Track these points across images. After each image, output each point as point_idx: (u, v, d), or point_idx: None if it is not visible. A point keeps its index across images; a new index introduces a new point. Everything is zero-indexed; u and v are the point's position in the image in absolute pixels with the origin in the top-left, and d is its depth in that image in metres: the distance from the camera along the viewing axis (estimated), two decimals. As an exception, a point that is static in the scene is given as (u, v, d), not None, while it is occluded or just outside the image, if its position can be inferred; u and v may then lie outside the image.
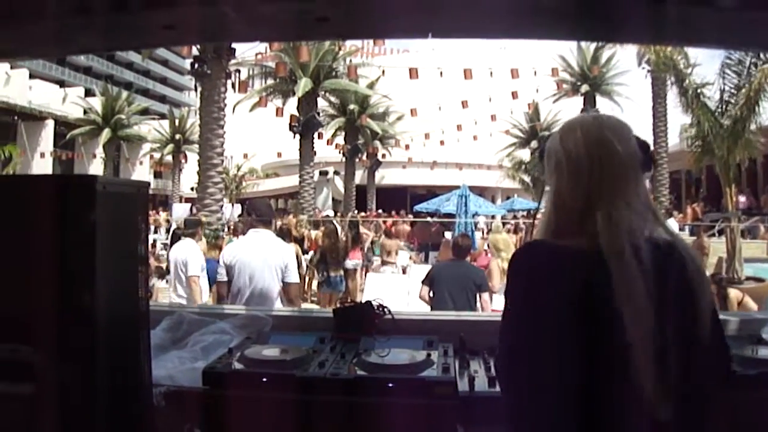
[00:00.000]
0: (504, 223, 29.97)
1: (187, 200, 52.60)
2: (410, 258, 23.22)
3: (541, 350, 2.25)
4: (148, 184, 3.50)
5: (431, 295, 10.71)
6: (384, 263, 21.26)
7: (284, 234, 17.73)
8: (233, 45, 30.16)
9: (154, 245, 23.99)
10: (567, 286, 2.25)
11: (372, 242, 25.04)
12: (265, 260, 8.59)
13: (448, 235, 24.15)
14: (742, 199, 33.92)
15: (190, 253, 11.59)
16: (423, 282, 11.06)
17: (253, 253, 8.59)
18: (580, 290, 2.21)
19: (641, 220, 2.31)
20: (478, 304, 10.52)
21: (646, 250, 2.21)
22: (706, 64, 20.42)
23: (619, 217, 2.26)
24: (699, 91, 18.30)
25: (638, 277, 2.15)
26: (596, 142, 2.40)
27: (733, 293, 12.78)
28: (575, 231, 2.36)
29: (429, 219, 32.11)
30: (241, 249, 8.74)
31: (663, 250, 2.29)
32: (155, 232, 36.31)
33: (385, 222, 31.02)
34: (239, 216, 9.99)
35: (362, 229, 24.06)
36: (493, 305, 10.68)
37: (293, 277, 8.75)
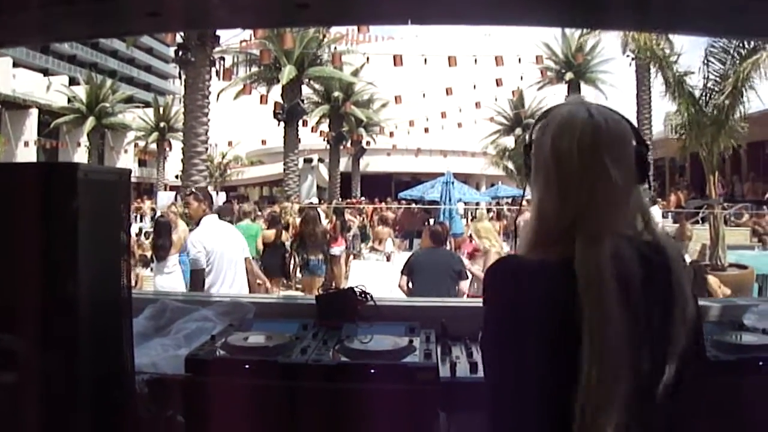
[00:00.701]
0: (488, 210, 29.97)
1: (172, 188, 52.41)
2: (395, 245, 23.21)
3: (517, 371, 2.18)
4: (130, 171, 3.49)
5: (410, 285, 10.71)
6: (373, 250, 21.34)
7: (276, 222, 17.85)
8: (217, 32, 30.11)
9: (139, 234, 23.91)
10: (548, 302, 2.14)
11: (362, 229, 25.09)
12: (236, 241, 9.11)
13: (431, 222, 24.22)
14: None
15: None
16: (402, 272, 11.07)
17: (225, 237, 9.28)
18: (560, 304, 2.11)
19: (626, 239, 2.18)
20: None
21: (631, 272, 2.09)
22: (691, 52, 20.51)
23: (600, 249, 2.12)
24: (682, 79, 18.36)
25: (619, 316, 2.04)
26: (591, 164, 2.22)
27: (711, 279, 12.88)
28: (558, 242, 2.22)
29: (413, 206, 32.14)
30: (214, 235, 9.28)
31: (648, 260, 2.16)
32: (140, 220, 36.24)
33: (374, 209, 31.02)
34: (187, 205, 10.36)
35: (348, 216, 24.10)
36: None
37: (248, 253, 9.97)
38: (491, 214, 29.66)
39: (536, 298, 2.14)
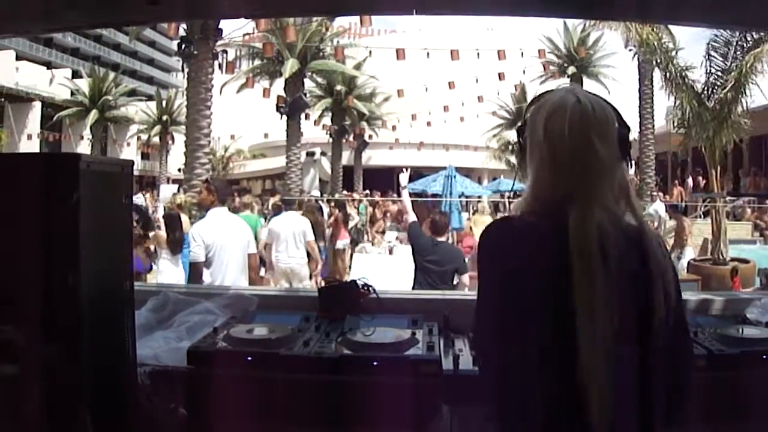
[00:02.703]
0: (495, 206, 29.98)
1: (175, 181, 52.41)
2: (397, 238, 23.19)
3: (512, 325, 2.39)
4: (133, 162, 3.48)
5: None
6: (376, 243, 21.48)
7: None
8: (220, 26, 30.09)
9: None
10: (540, 262, 2.38)
11: (369, 222, 25.11)
12: (238, 236, 9.00)
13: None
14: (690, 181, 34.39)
15: (306, 224, 14.64)
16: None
17: (228, 230, 9.02)
18: (552, 269, 2.35)
19: (612, 216, 2.44)
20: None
21: (614, 243, 2.35)
22: (691, 47, 20.43)
23: (591, 218, 2.37)
24: (684, 74, 18.31)
25: (602, 281, 2.30)
26: (580, 141, 2.47)
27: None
28: (554, 213, 2.43)
29: (428, 199, 32.10)
30: (217, 228, 9.11)
31: (630, 241, 2.43)
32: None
33: (377, 203, 31.03)
34: (200, 194, 11.16)
35: (348, 210, 24.08)
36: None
37: (253, 249, 9.68)
38: (490, 208, 29.66)
39: (528, 256, 2.40)
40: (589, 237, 2.33)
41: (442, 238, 11.22)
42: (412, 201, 11.60)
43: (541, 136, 2.55)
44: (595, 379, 2.25)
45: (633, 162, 2.76)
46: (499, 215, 26.06)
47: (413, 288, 10.02)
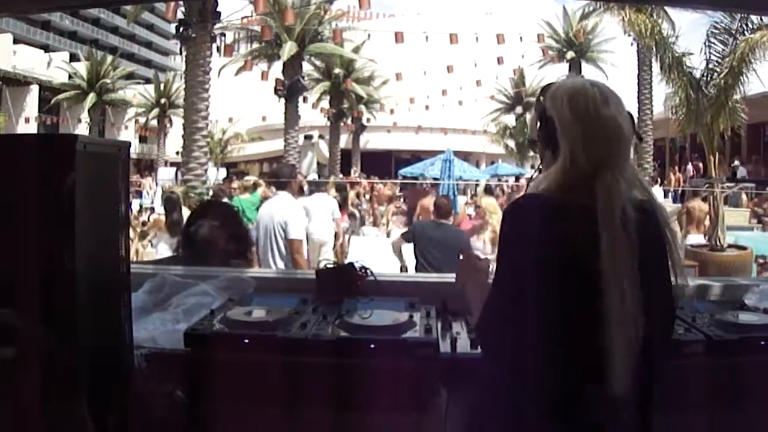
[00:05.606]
0: (487, 188, 29.98)
1: (173, 164, 52.42)
2: (393, 222, 23.21)
3: (532, 296, 2.47)
4: (130, 144, 3.46)
5: (416, 257, 10.54)
6: (377, 225, 21.64)
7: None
8: (218, 8, 30.01)
9: (140, 211, 23.71)
10: (567, 234, 2.50)
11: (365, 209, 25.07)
12: (272, 217, 9.04)
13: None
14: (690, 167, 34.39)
15: (333, 203, 15.76)
16: (402, 235, 11.02)
17: (266, 214, 9.48)
18: (581, 243, 2.46)
19: (630, 188, 2.58)
20: None
21: (632, 215, 2.46)
22: (690, 34, 20.38)
23: (617, 189, 2.51)
24: (681, 60, 18.26)
25: (627, 252, 2.42)
26: (606, 116, 2.61)
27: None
28: (585, 187, 2.54)
29: (421, 182, 32.06)
30: (262, 210, 9.92)
31: (644, 211, 2.56)
32: (144, 197, 36.07)
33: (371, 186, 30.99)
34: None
35: (352, 195, 24.08)
36: None
37: (292, 234, 9.23)
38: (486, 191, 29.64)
39: (555, 233, 2.49)
40: (615, 209, 2.45)
41: (447, 222, 11.19)
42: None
43: (568, 115, 2.64)
44: (620, 346, 2.35)
45: (640, 139, 2.87)
46: (497, 200, 26.14)
47: (416, 272, 10.03)
